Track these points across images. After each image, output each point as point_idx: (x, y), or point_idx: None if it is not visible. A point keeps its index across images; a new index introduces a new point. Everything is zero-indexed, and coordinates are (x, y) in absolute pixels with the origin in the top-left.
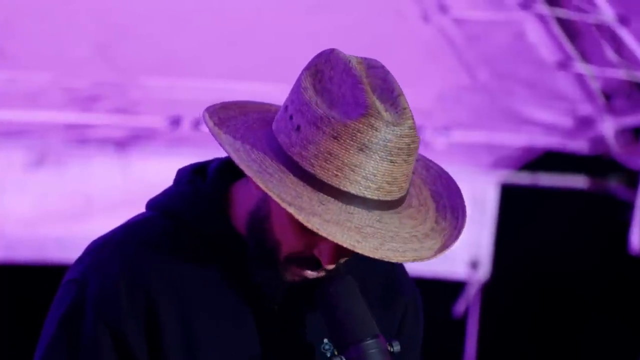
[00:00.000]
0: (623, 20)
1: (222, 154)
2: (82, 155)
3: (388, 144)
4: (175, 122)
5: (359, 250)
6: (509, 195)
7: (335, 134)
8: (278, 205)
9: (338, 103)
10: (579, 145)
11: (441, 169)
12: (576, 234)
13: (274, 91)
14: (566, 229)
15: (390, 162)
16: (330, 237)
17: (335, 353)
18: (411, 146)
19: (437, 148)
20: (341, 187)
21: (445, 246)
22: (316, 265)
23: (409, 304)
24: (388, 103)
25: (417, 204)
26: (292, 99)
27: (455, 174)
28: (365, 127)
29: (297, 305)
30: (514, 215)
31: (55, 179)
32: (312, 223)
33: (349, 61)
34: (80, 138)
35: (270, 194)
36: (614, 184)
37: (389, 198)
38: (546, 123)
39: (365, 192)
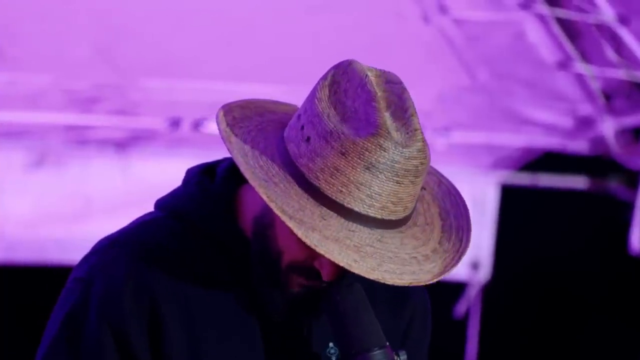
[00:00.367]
0: (623, 20)
1: (224, 154)
2: (82, 157)
3: (395, 165)
4: (175, 123)
5: (356, 270)
6: (509, 196)
7: (344, 150)
8: None
9: (350, 118)
10: (579, 145)
11: (452, 185)
12: (576, 234)
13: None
14: (566, 230)
15: (397, 182)
16: (327, 255)
17: (330, 353)
18: (419, 168)
19: (437, 149)
20: (345, 204)
21: (444, 270)
22: (316, 276)
23: (417, 307)
24: (400, 122)
25: (423, 222)
26: (306, 108)
27: (455, 175)
28: (373, 147)
29: (301, 312)
30: (514, 216)
31: (55, 180)
32: (311, 239)
33: (366, 75)
34: (80, 139)
35: (271, 205)
36: (614, 184)
37: (392, 217)
38: (546, 123)
39: (369, 210)
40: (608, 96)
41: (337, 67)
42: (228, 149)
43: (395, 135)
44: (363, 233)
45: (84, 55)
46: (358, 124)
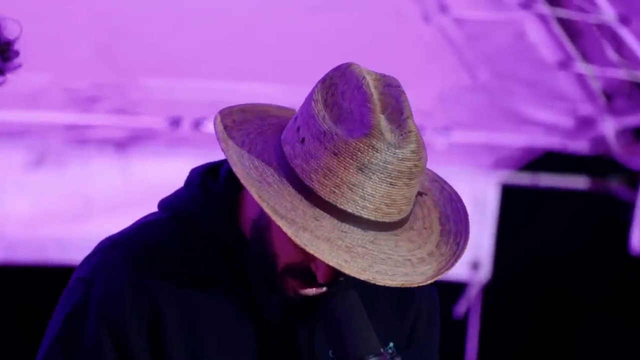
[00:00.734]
0: (624, 20)
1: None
2: (82, 156)
3: (388, 166)
4: (175, 122)
5: (346, 270)
6: (510, 196)
7: (336, 151)
8: None
9: (345, 120)
10: (580, 145)
11: (454, 192)
12: (577, 234)
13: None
14: (567, 230)
15: (390, 184)
16: (317, 255)
17: (332, 355)
18: (413, 170)
19: (438, 148)
20: (337, 205)
21: (438, 273)
22: (312, 279)
23: (422, 308)
24: (395, 124)
25: (421, 227)
26: (302, 110)
27: (455, 175)
28: (365, 147)
29: (298, 317)
30: (514, 215)
31: (55, 179)
32: (301, 238)
33: (364, 77)
34: (80, 138)
35: (263, 205)
36: (614, 184)
37: (386, 220)
38: (547, 123)
39: (362, 211)
40: (609, 96)
41: (335, 70)
42: (223, 150)
43: (389, 136)
44: (355, 234)
45: (84, 54)
46: (352, 125)
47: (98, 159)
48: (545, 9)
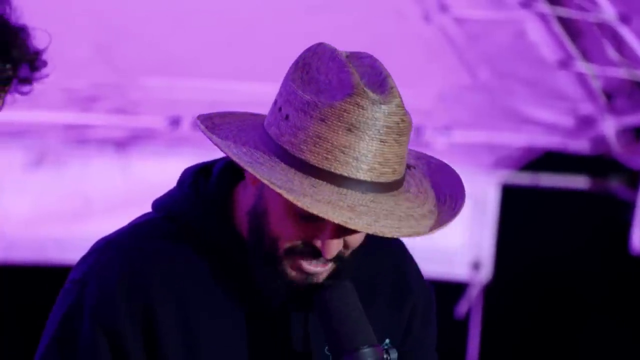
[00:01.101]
0: (624, 19)
1: (222, 154)
2: (82, 156)
3: (377, 122)
4: (175, 122)
5: (352, 226)
6: (510, 196)
7: (323, 117)
8: (274, 197)
9: (325, 89)
10: (580, 145)
11: (443, 162)
12: (577, 234)
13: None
14: (567, 230)
15: (381, 141)
16: (321, 215)
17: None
18: (400, 125)
19: (438, 148)
20: (332, 170)
21: (442, 224)
22: (316, 254)
23: (418, 304)
24: (375, 84)
25: (416, 191)
26: (281, 92)
27: None
28: (351, 107)
29: (298, 309)
30: (515, 215)
31: (54, 179)
32: (303, 202)
33: (335, 50)
34: (80, 138)
35: (261, 178)
36: (615, 184)
37: (382, 180)
38: (547, 123)
39: (357, 173)
40: (609, 95)
41: (306, 51)
42: (209, 138)
43: (372, 94)
44: (355, 196)
45: (84, 54)
46: (333, 91)
47: (98, 159)
48: (545, 8)
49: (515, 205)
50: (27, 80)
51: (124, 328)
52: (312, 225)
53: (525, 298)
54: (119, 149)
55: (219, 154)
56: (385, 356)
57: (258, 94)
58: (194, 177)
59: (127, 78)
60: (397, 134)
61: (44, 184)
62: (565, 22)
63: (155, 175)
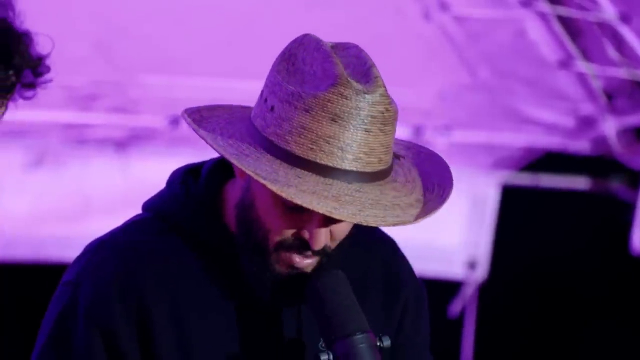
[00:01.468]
0: (625, 18)
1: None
2: (81, 155)
3: (361, 112)
4: (175, 121)
5: (337, 216)
6: (510, 196)
7: (307, 107)
8: (260, 189)
9: (309, 80)
10: (581, 145)
11: (432, 152)
12: (577, 234)
13: None
14: (567, 230)
15: (365, 131)
16: (305, 205)
17: (323, 346)
18: (385, 114)
19: (438, 148)
20: (317, 160)
21: (428, 213)
22: (304, 247)
23: (409, 300)
24: (359, 74)
25: (404, 180)
26: (267, 83)
27: (455, 175)
28: (335, 97)
29: (290, 303)
30: (514, 216)
31: (54, 179)
32: (287, 193)
33: (320, 40)
34: (80, 138)
35: (246, 170)
36: (615, 184)
37: (368, 169)
38: (547, 123)
39: (343, 163)
40: (610, 95)
41: (292, 42)
42: (195, 131)
43: (355, 84)
44: (340, 186)
45: (84, 52)
46: (317, 81)
47: (97, 159)
48: (545, 7)
49: (515, 205)
50: (31, 86)
51: (118, 328)
52: (299, 216)
53: (522, 298)
54: (119, 149)
55: (216, 154)
56: (378, 343)
57: (258, 92)
58: (183, 177)
59: (126, 76)
60: (381, 123)
61: (43, 183)
62: (565, 22)
63: (155, 175)
